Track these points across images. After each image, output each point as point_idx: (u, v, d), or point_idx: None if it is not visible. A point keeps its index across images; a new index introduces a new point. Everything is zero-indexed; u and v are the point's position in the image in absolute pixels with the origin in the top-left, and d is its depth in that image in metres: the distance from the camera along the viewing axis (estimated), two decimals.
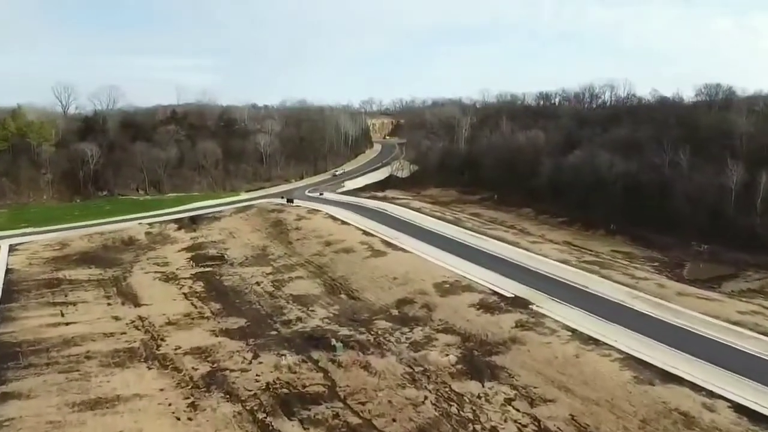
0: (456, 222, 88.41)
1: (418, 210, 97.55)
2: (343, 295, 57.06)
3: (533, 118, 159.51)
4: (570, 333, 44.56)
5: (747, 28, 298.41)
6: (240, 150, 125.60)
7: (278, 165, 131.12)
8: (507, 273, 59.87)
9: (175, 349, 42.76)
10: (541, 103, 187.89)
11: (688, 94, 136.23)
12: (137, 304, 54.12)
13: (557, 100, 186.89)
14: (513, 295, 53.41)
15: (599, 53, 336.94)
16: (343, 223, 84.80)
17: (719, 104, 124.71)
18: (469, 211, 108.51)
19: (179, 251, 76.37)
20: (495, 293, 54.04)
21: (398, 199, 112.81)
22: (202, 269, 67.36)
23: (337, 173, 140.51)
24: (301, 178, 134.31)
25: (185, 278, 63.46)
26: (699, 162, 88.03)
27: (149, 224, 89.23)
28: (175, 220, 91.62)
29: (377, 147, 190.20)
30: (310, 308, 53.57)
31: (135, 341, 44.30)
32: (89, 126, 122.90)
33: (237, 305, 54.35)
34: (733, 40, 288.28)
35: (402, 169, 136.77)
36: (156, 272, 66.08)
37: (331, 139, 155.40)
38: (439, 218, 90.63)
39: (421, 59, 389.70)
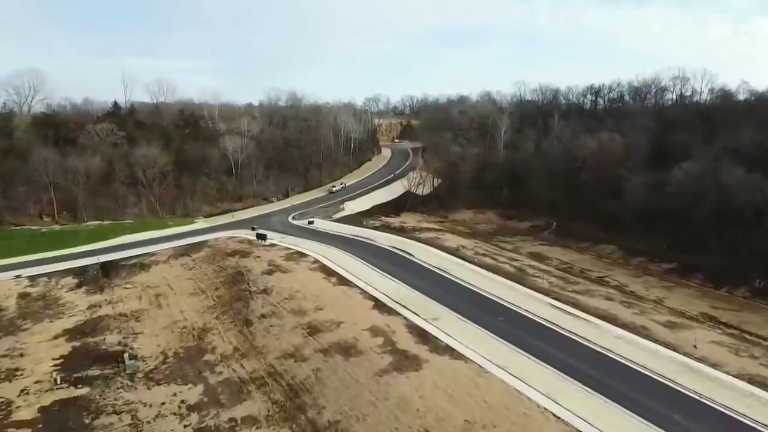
0: (521, 278, 58.64)
1: (455, 252, 67.89)
2: None
3: (594, 118, 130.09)
4: None
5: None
6: (201, 158, 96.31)
7: (254, 178, 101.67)
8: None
9: None
10: (591, 99, 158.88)
11: None
12: None
13: (610, 95, 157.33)
14: None
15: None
16: (342, 281, 55.16)
17: None
18: (526, 250, 79.30)
19: (54, 338, 46.80)
20: None
21: (422, 230, 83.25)
22: (70, 390, 37.76)
23: (334, 189, 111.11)
24: (286, 196, 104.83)
25: (18, 425, 33.63)
26: None
27: (31, 278, 59.74)
28: (78, 270, 62.09)
29: (386, 153, 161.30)
30: None
31: None
32: None
33: None
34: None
35: (422, 183, 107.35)
36: None
37: (327, 144, 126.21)
38: (492, 269, 60.88)
39: (429, 59, 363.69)
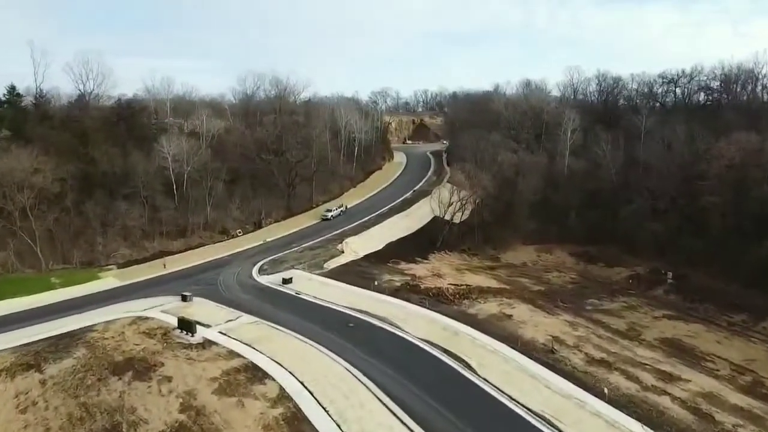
0: None
1: (551, 360, 37.38)
2: None
3: (689, 115, 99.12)
4: None
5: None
6: (125, 171, 66.14)
7: (208, 201, 71.06)
8: None
9: None
10: (666, 90, 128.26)
11: None
12: None
13: (689, 86, 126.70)
14: None
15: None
16: None
17: None
18: (653, 334, 49.98)
19: None
20: None
21: (473, 293, 52.49)
22: None
23: (330, 215, 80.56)
24: (258, 226, 74.38)
25: None
26: None
27: None
28: None
29: (400, 158, 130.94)
30: None
31: None
32: None
33: None
34: None
35: (462, 207, 76.71)
36: None
37: (323, 148, 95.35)
38: (643, 416, 30.28)
39: (443, 56, 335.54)
